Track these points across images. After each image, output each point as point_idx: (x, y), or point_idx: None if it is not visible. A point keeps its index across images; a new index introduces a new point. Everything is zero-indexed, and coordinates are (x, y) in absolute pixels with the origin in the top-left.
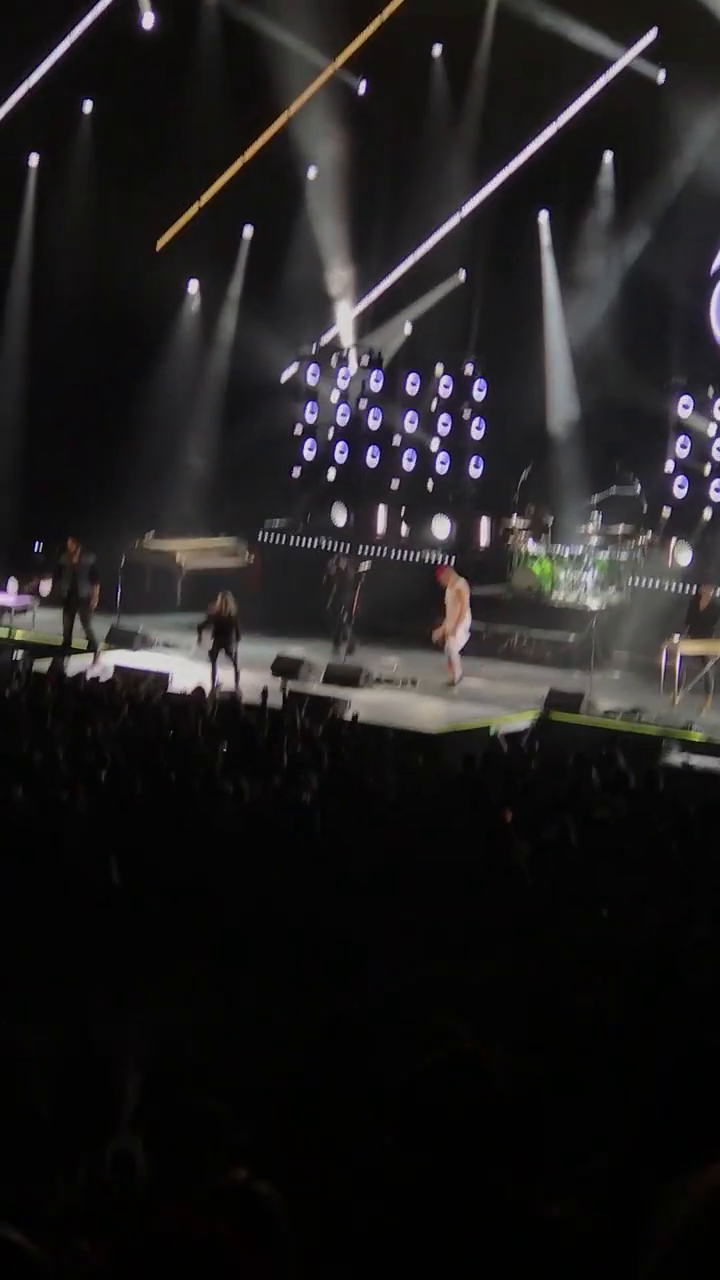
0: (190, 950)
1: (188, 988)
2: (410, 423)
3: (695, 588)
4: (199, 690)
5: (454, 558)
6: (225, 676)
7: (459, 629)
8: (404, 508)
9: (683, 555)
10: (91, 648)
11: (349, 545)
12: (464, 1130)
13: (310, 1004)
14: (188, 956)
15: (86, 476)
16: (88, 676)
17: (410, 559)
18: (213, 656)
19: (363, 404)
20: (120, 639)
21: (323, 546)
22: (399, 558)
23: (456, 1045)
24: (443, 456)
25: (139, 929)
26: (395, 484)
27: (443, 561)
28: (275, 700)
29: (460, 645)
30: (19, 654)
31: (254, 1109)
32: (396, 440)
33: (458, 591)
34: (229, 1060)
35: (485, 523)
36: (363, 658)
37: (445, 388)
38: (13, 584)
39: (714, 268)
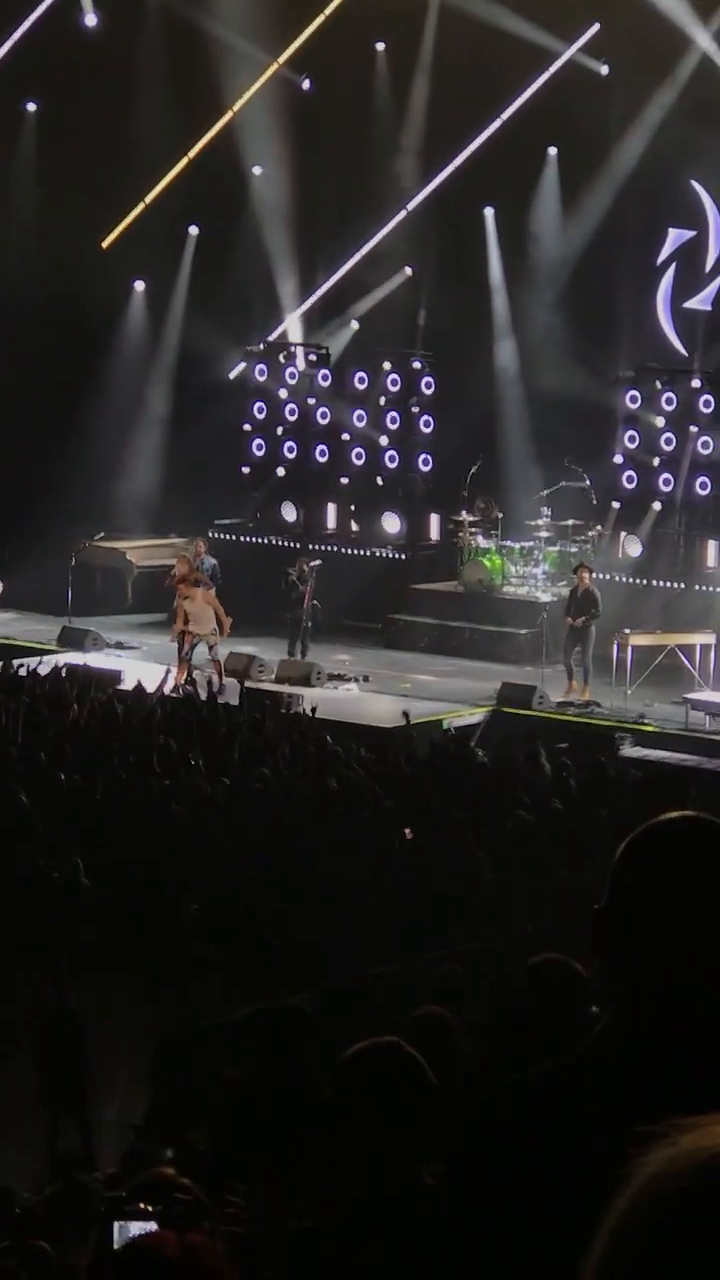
0: (151, 946)
1: (149, 984)
2: (358, 419)
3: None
4: (139, 689)
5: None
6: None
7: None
8: (354, 504)
9: (632, 548)
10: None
11: (299, 543)
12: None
13: (268, 997)
14: (148, 953)
15: (35, 477)
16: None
17: (361, 555)
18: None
19: (311, 401)
20: (72, 639)
21: (274, 544)
22: (350, 554)
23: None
24: (391, 453)
25: (100, 927)
26: (345, 481)
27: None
28: (229, 697)
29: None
30: None
31: (211, 1102)
32: (345, 437)
33: (208, 596)
34: (185, 1056)
35: (435, 518)
36: (314, 655)
37: (393, 384)
38: None
39: (660, 259)
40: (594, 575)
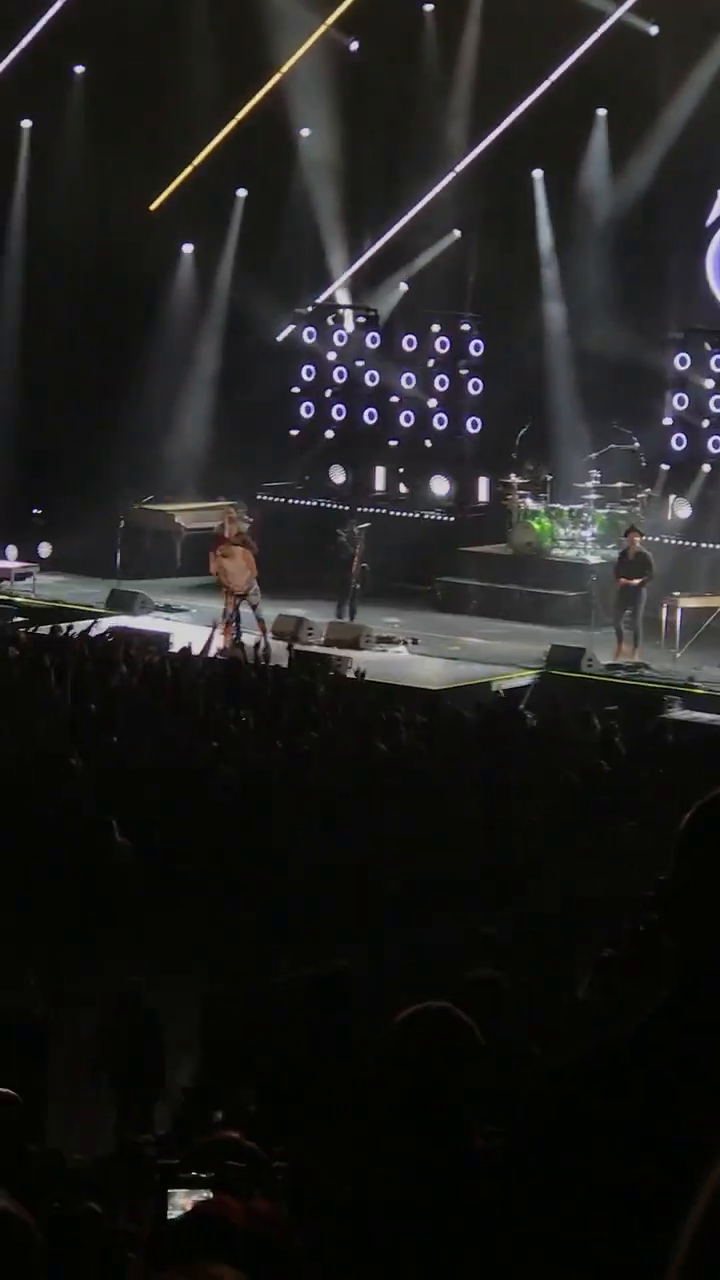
0: (197, 909)
1: (194, 946)
2: (407, 382)
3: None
4: (187, 651)
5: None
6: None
7: (249, 589)
8: (402, 467)
9: (681, 510)
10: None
11: (348, 505)
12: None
13: (315, 960)
14: (195, 916)
15: (84, 440)
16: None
17: (409, 518)
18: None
19: (359, 364)
20: (121, 602)
21: (322, 507)
22: (398, 516)
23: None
24: (440, 415)
25: (146, 889)
26: (393, 443)
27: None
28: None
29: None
30: (18, 619)
31: (254, 1067)
32: (394, 399)
33: (243, 554)
34: (233, 1019)
35: (484, 481)
36: (363, 618)
37: (442, 346)
38: (12, 550)
39: (709, 220)
40: (644, 538)
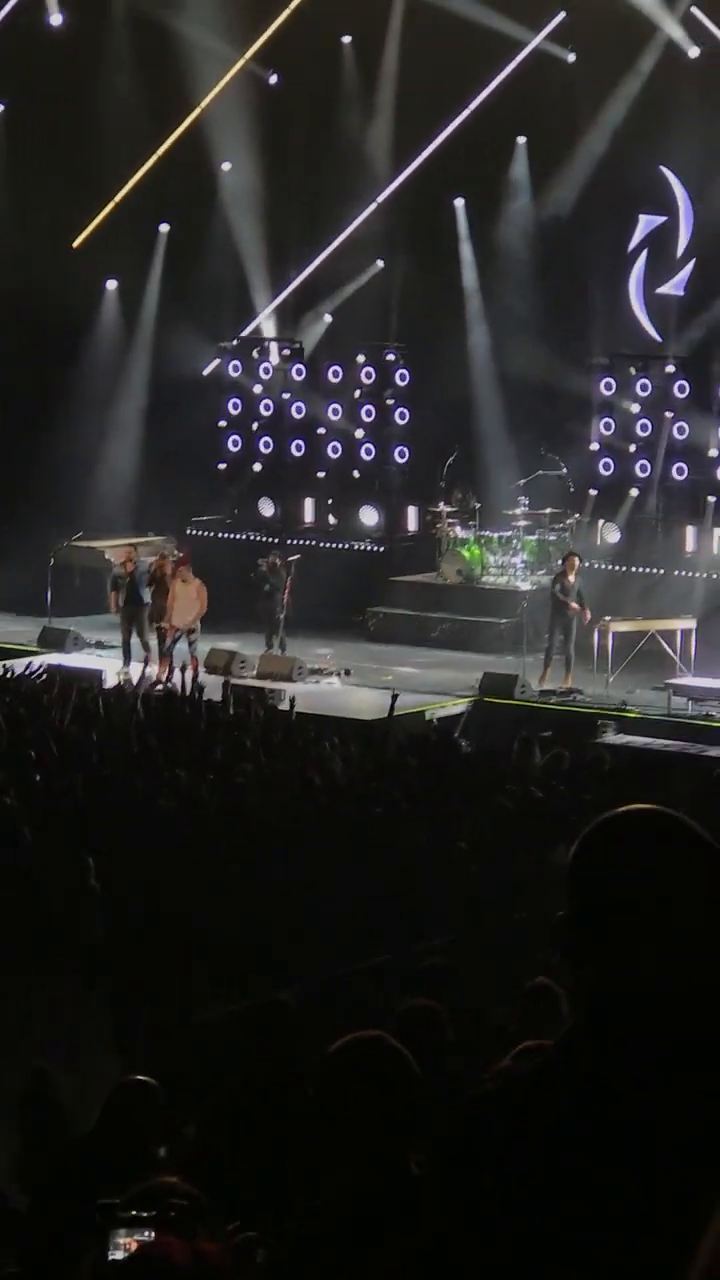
0: (139, 943)
1: (137, 982)
2: (334, 413)
3: (563, 559)
4: (118, 688)
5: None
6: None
7: (187, 623)
8: (331, 498)
9: (610, 535)
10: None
11: (277, 538)
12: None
13: (251, 993)
14: (138, 950)
15: (11, 478)
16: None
17: (339, 549)
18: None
19: (285, 396)
20: (52, 640)
21: (252, 539)
22: (328, 547)
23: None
24: (367, 445)
25: (90, 928)
26: (321, 474)
27: (183, 555)
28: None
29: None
30: None
31: (195, 1097)
32: (320, 431)
33: (199, 588)
34: (172, 1052)
35: (413, 510)
36: (295, 650)
37: (367, 377)
38: None
39: (631, 245)
40: (584, 564)
